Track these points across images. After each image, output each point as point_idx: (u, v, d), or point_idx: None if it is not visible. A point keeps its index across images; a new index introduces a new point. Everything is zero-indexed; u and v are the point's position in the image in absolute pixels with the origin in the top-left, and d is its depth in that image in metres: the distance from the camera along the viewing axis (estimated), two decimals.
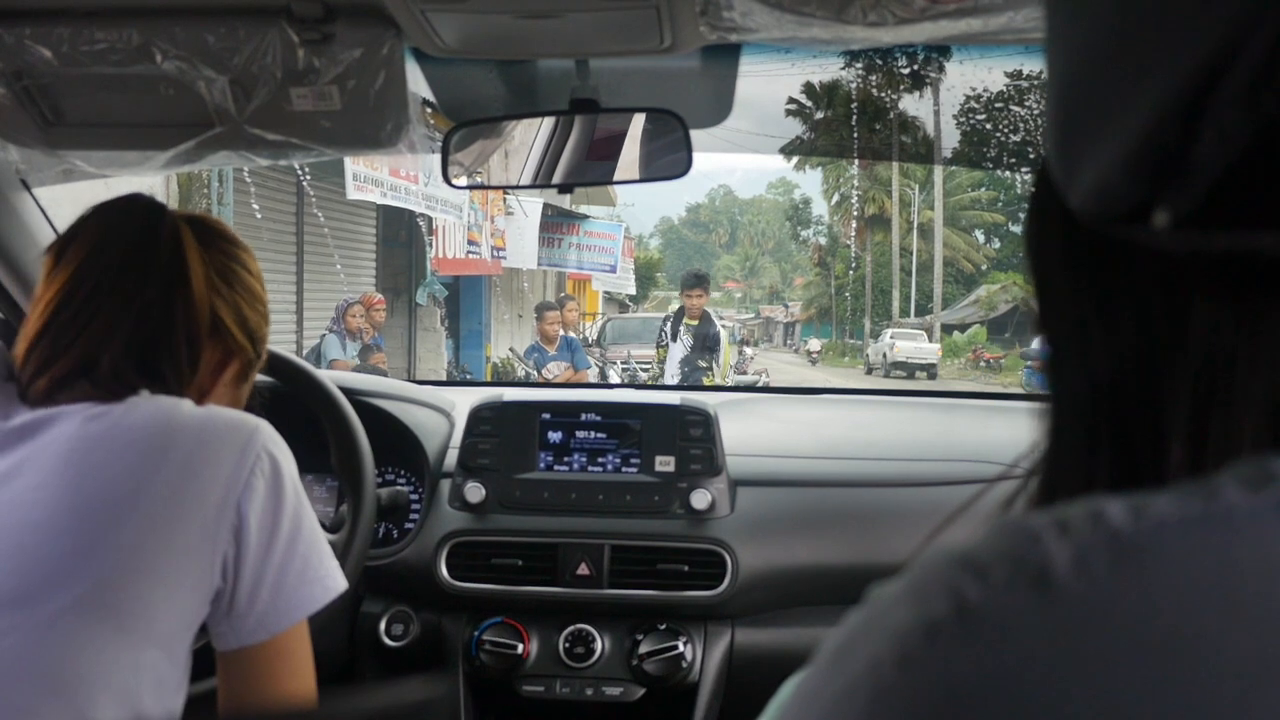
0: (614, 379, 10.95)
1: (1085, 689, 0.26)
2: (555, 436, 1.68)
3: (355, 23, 1.28)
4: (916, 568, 0.31)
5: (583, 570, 1.59)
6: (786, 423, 1.93)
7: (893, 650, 0.29)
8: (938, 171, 33.26)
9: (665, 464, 1.65)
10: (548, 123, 1.48)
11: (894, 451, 1.76)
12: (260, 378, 1.60)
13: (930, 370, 25.11)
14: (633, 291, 22.78)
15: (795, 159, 34.73)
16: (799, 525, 1.64)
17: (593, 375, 8.99)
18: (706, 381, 7.42)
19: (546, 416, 1.69)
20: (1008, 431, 1.79)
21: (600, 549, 1.60)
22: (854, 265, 38.65)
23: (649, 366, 11.51)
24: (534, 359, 8.20)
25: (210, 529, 0.89)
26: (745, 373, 12.29)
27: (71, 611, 0.83)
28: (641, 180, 1.46)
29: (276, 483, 0.93)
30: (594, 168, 1.48)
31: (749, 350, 18.23)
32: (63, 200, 1.69)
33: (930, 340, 27.63)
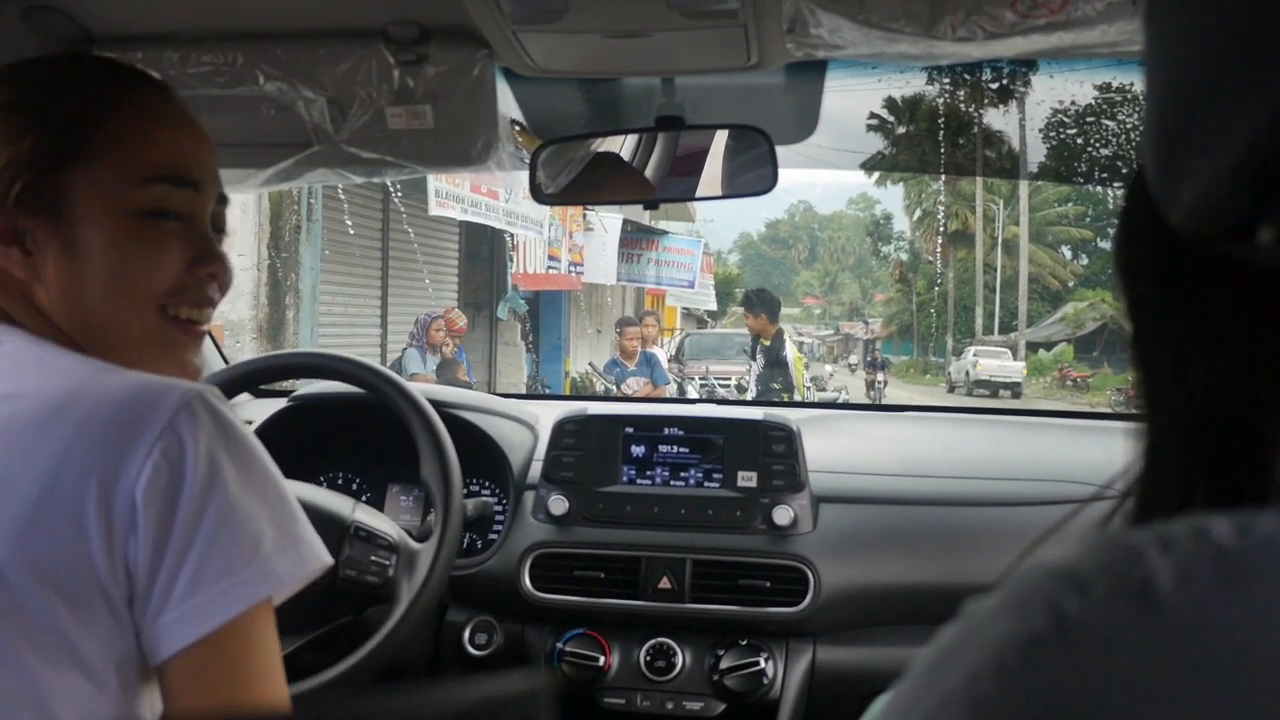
0: (692, 395, 10.96)
1: (1186, 707, 0.26)
2: (638, 450, 1.70)
3: (448, 44, 1.32)
4: (1014, 582, 0.31)
5: (664, 584, 1.60)
6: (869, 439, 1.91)
7: (992, 663, 0.29)
8: (1023, 186, 32.64)
9: (748, 479, 1.65)
10: (633, 139, 1.50)
11: (980, 470, 1.74)
12: (344, 390, 1.64)
13: (1015, 389, 24.60)
14: (712, 307, 22.74)
15: (876, 174, 34.36)
16: (882, 543, 1.63)
17: (671, 391, 9.00)
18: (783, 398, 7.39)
19: (630, 430, 1.71)
20: (1098, 451, 1.75)
21: (682, 563, 1.60)
22: (936, 281, 38.10)
23: (727, 382, 11.51)
24: (614, 374, 8.24)
25: (99, 537, 0.73)
26: (825, 389, 12.20)
27: None
28: (725, 197, 1.47)
29: (181, 462, 0.74)
30: (678, 184, 1.50)
31: (829, 368, 18.05)
32: None
33: (1015, 358, 27.08)
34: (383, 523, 1.49)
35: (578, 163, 1.54)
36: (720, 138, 1.45)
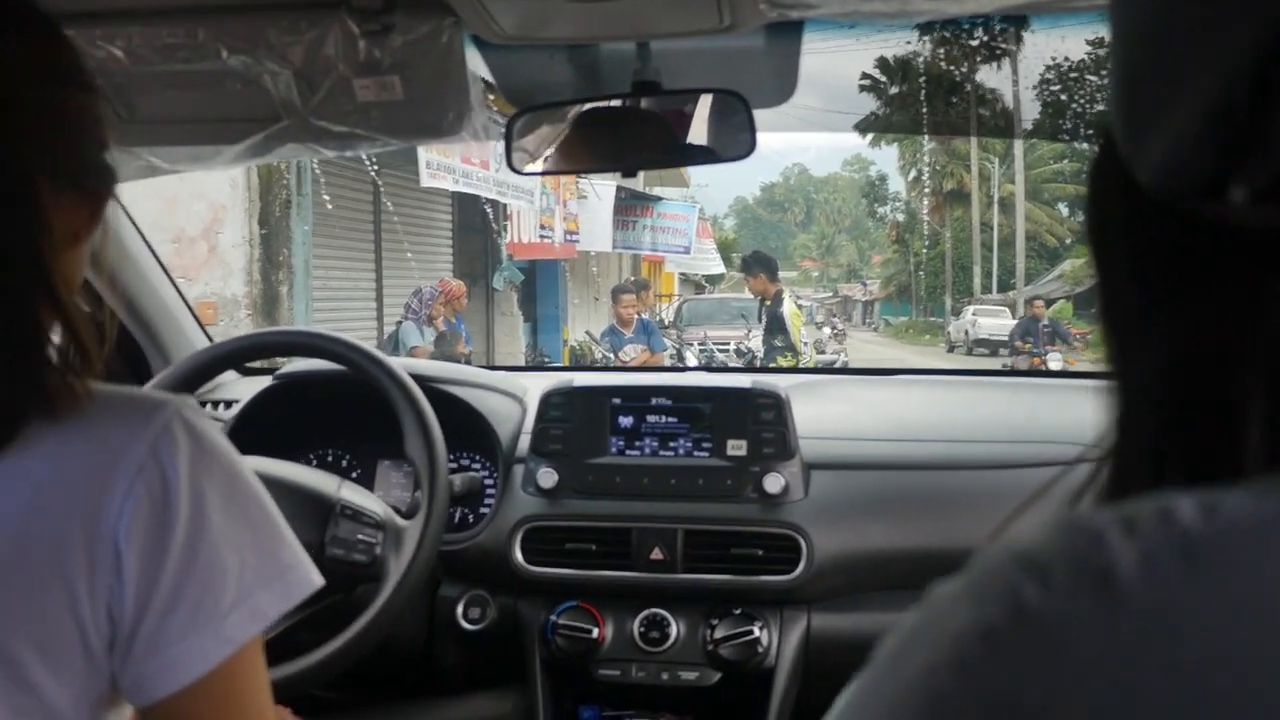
0: (691, 361, 10.95)
1: (1150, 703, 0.24)
2: (626, 421, 1.68)
3: (414, 12, 1.29)
4: (976, 566, 0.30)
5: (656, 555, 1.59)
6: (861, 405, 1.89)
7: (949, 656, 0.27)
8: (1018, 145, 32.44)
9: (737, 448, 1.63)
10: (612, 106, 1.47)
11: (972, 433, 1.72)
12: (332, 367, 1.62)
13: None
14: (716, 271, 22.67)
15: (870, 135, 34.19)
16: (875, 509, 1.61)
17: (668, 358, 9.00)
18: (782, 361, 7.39)
19: (617, 401, 1.69)
20: (1092, 410, 1.73)
21: (674, 533, 1.59)
22: (933, 242, 37.98)
23: (726, 347, 11.49)
24: (610, 342, 8.23)
25: (77, 579, 0.67)
26: (824, 352, 12.17)
27: None
28: (705, 162, 1.44)
29: (164, 497, 0.69)
30: (657, 150, 1.47)
31: (827, 330, 18.03)
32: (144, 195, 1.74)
33: (1014, 317, 27.03)
34: (369, 500, 1.48)
35: (555, 131, 1.51)
36: (703, 103, 1.42)
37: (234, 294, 8.04)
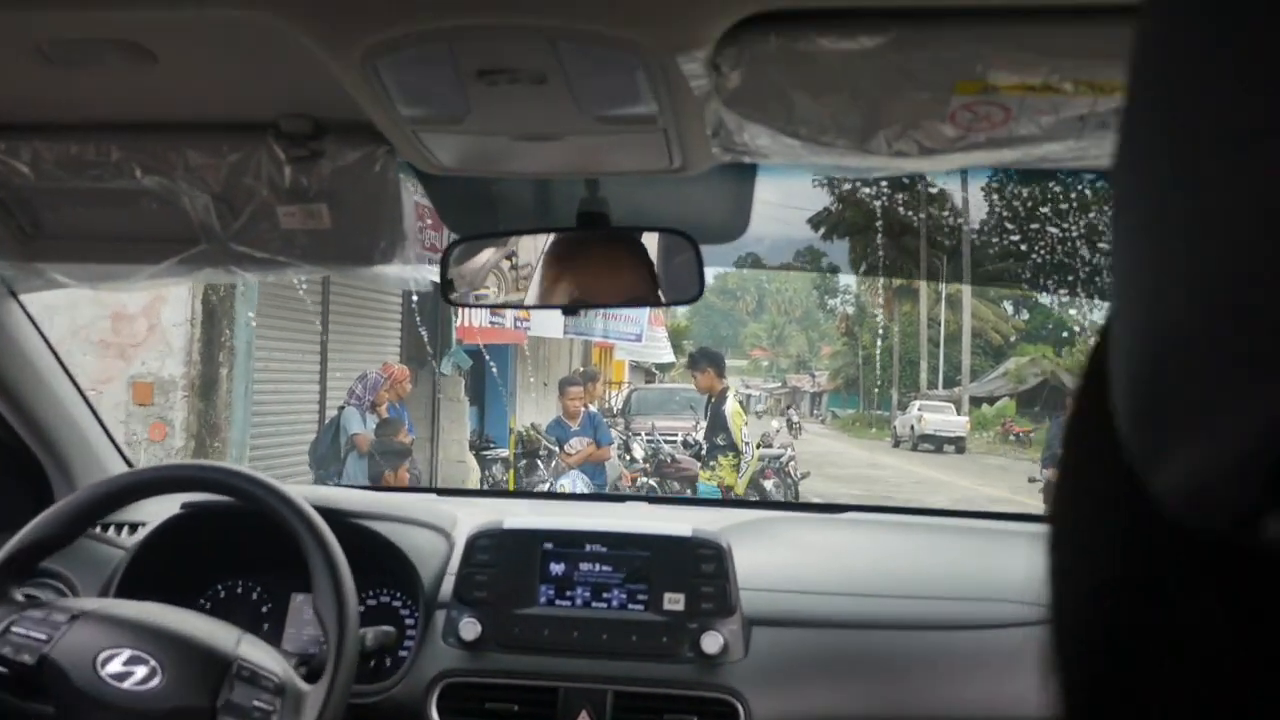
0: (638, 452, 10.83)
1: None
2: (558, 569, 1.57)
3: (345, 140, 1.21)
4: None
5: (583, 718, 1.47)
6: (806, 549, 1.80)
7: None
8: (965, 244, 33.18)
9: (674, 602, 1.53)
10: (554, 238, 1.40)
11: (925, 587, 1.63)
12: (218, 499, 1.49)
13: (959, 444, 24.73)
14: (667, 360, 22.65)
15: (823, 229, 34.74)
16: (819, 671, 1.51)
17: (614, 450, 8.88)
18: (723, 460, 7.30)
19: (549, 546, 1.58)
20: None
21: (603, 695, 1.48)
22: (881, 335, 38.46)
23: (674, 438, 11.39)
24: (556, 435, 8.11)
25: None
26: (771, 445, 12.09)
27: None
28: (649, 304, 1.37)
29: None
30: (604, 287, 1.39)
31: (775, 423, 18.02)
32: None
33: (959, 413, 27.30)
34: (269, 658, 1.34)
35: (492, 262, 1.43)
36: (647, 239, 1.35)
37: (171, 374, 7.81)
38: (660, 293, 1.37)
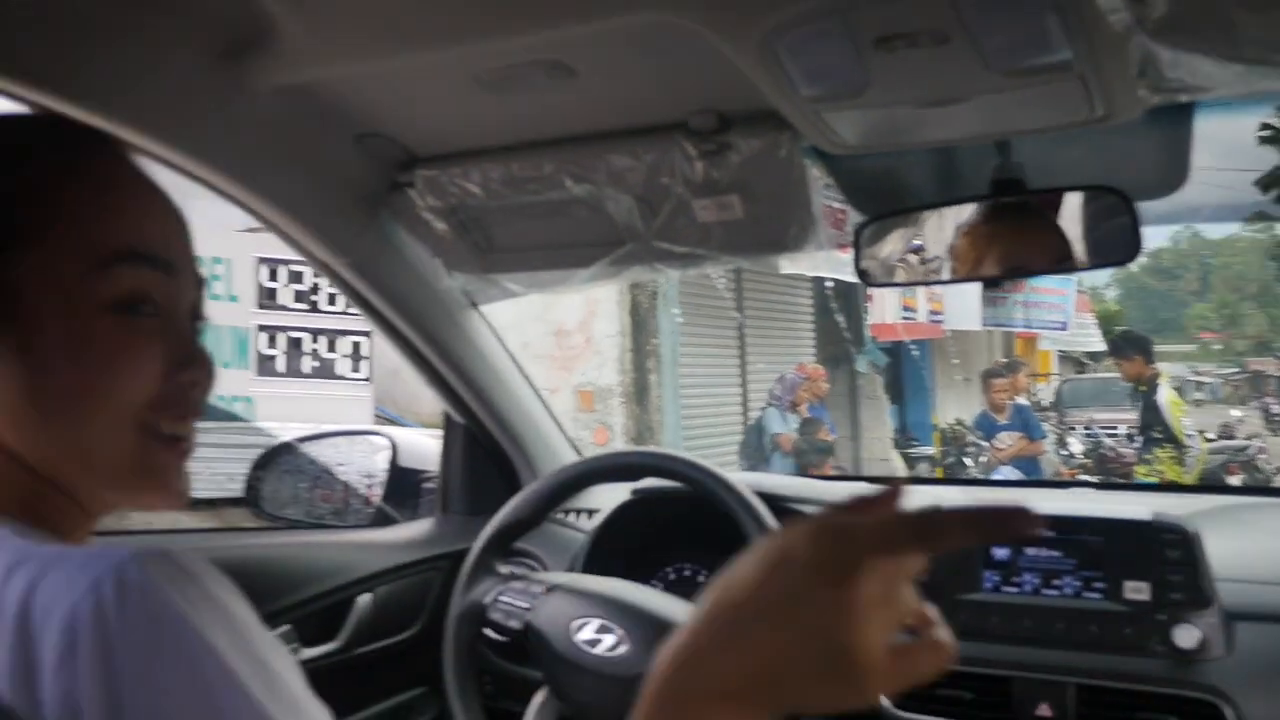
0: (1075, 446, 10.09)
1: None
2: (1002, 554, 1.48)
3: (751, 129, 1.23)
4: None
5: (1043, 711, 1.37)
6: None
7: None
8: None
9: (1137, 591, 1.38)
10: (967, 209, 1.32)
11: None
12: (663, 484, 1.57)
13: None
14: (1096, 348, 20.93)
15: (1275, 192, 30.41)
16: None
17: (1049, 446, 8.33)
18: (1161, 454, 6.58)
19: None
20: None
21: (1064, 688, 1.36)
22: None
23: (1115, 432, 10.47)
24: (983, 429, 7.76)
25: None
26: (1233, 438, 10.72)
27: None
28: (1079, 269, 1.25)
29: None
30: (1023, 256, 1.30)
31: (1234, 412, 15.97)
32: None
33: None
34: None
35: (906, 239, 1.38)
36: (1073, 200, 1.24)
37: (608, 382, 8.46)
38: (1092, 257, 1.26)
